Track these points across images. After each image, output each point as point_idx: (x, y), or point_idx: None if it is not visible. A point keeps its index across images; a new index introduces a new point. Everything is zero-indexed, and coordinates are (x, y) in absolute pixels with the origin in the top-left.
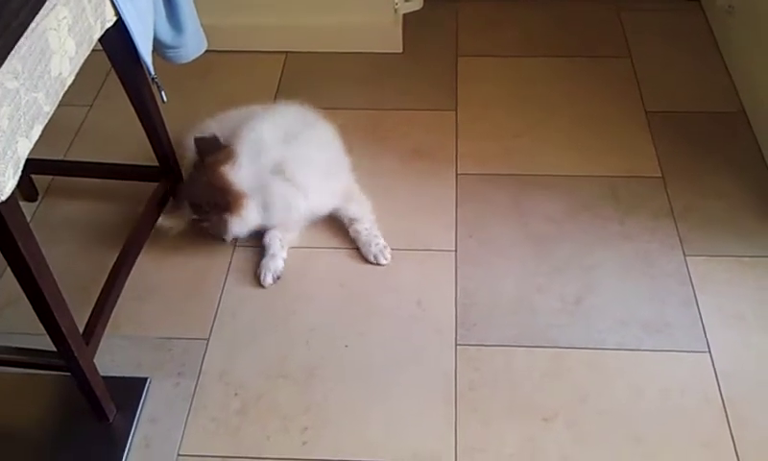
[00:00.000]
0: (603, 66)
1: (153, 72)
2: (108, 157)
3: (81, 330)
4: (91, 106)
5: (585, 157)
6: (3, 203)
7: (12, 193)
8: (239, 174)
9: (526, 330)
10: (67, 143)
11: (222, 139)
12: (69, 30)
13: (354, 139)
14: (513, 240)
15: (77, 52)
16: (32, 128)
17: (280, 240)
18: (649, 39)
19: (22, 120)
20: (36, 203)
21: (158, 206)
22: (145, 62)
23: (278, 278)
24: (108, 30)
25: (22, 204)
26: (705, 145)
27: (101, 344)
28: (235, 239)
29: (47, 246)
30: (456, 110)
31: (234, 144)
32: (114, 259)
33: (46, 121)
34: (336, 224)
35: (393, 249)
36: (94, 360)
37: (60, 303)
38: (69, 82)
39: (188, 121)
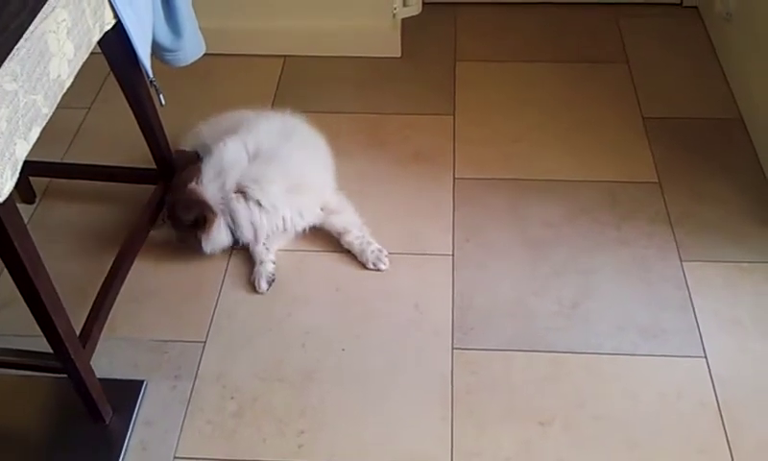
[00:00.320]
0: (601, 72)
1: (151, 75)
2: (106, 159)
3: (77, 333)
4: (89, 108)
5: (582, 162)
6: (0, 204)
7: (10, 195)
8: (206, 192)
9: (523, 335)
10: (65, 146)
11: (205, 149)
12: (68, 32)
13: (352, 143)
14: (510, 244)
15: (75, 54)
16: (30, 130)
17: (266, 246)
18: (647, 46)
19: (20, 122)
20: (34, 205)
21: (156, 208)
22: (144, 66)
23: (273, 280)
24: (106, 33)
25: (20, 206)
26: (702, 151)
27: (98, 346)
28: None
29: (44, 248)
30: (454, 115)
31: (204, 160)
32: (111, 262)
33: (44, 123)
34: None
35: (390, 253)
36: (91, 362)
37: (57, 306)
38: (68, 84)
39: (186, 124)
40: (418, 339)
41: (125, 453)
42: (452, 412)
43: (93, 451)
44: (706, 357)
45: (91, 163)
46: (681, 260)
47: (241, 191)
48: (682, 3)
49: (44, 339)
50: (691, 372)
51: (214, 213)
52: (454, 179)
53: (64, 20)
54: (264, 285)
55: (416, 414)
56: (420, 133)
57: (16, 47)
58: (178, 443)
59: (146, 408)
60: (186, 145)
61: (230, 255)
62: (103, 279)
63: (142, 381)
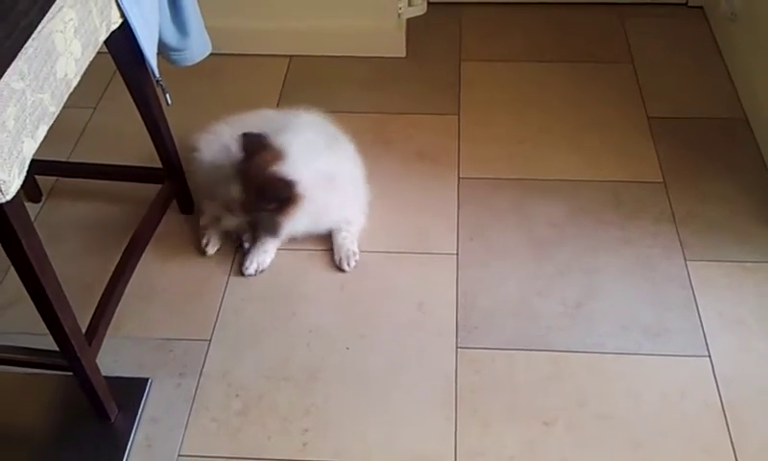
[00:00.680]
0: (606, 72)
1: (157, 74)
2: (112, 158)
3: (83, 331)
4: (96, 107)
5: (587, 161)
6: (8, 203)
7: (17, 193)
8: (296, 175)
9: (527, 334)
10: (72, 145)
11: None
12: (75, 32)
13: (357, 143)
14: (514, 244)
15: (82, 54)
16: (37, 128)
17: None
18: (652, 45)
19: (28, 120)
20: (40, 204)
21: (162, 207)
22: (150, 65)
23: (261, 271)
24: (113, 32)
25: (26, 204)
26: (706, 151)
27: (103, 344)
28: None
29: (50, 247)
30: (459, 115)
31: (283, 145)
32: (117, 260)
33: (51, 122)
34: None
35: (394, 252)
36: (96, 360)
37: (64, 303)
38: (75, 83)
39: (192, 123)
40: (422, 338)
41: (130, 451)
42: (456, 411)
43: (98, 449)
44: (710, 357)
45: (97, 162)
46: (685, 260)
47: (329, 179)
48: (687, 3)
49: (50, 337)
50: (695, 371)
51: (300, 195)
52: (459, 178)
53: (71, 20)
54: (251, 270)
55: (420, 413)
56: (425, 133)
57: (24, 46)
58: (182, 440)
59: (151, 406)
60: (204, 143)
61: (235, 254)
62: (109, 278)
63: (147, 379)
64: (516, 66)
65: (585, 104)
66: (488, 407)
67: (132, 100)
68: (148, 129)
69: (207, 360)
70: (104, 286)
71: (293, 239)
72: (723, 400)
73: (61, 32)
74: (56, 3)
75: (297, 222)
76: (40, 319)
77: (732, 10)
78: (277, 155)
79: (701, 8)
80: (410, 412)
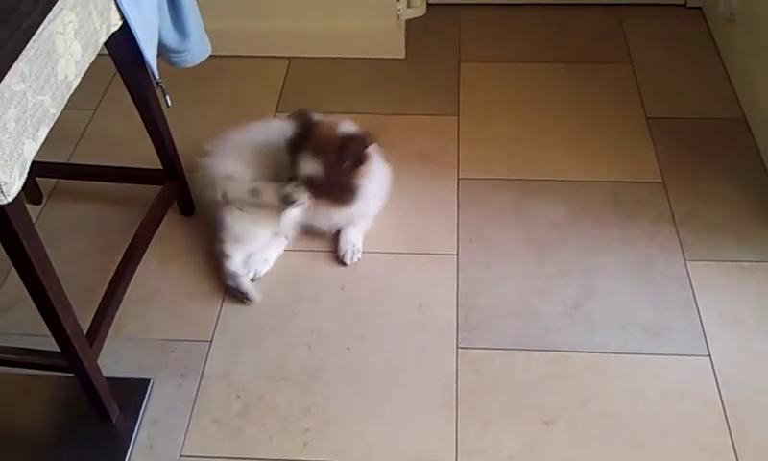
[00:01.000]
0: (605, 73)
1: (157, 76)
2: (113, 160)
3: (85, 332)
4: (96, 109)
5: (586, 162)
6: (9, 204)
7: (18, 194)
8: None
9: (527, 334)
10: (72, 146)
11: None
12: (75, 34)
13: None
14: (514, 244)
15: (83, 55)
16: (38, 130)
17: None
18: (650, 46)
19: (29, 122)
20: (41, 206)
21: (162, 209)
22: (150, 67)
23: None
24: (113, 34)
25: (26, 206)
26: (705, 151)
27: (104, 345)
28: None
29: (51, 248)
30: (458, 116)
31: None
32: (118, 262)
33: (52, 123)
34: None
35: (394, 252)
36: (98, 361)
37: (65, 305)
38: (75, 85)
39: (192, 125)
40: (422, 338)
41: (131, 452)
42: (456, 411)
43: (100, 450)
44: (710, 356)
45: (98, 164)
46: (685, 260)
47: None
48: (685, 4)
49: (52, 338)
50: (695, 371)
51: (370, 147)
52: (458, 179)
53: (72, 22)
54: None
55: (420, 413)
56: (425, 134)
57: (25, 48)
58: (184, 441)
59: (152, 407)
60: (216, 149)
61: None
62: (109, 279)
63: (148, 380)
64: (515, 67)
65: (584, 105)
66: (488, 407)
67: (132, 102)
68: (148, 130)
69: (208, 361)
70: (105, 287)
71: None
72: (723, 399)
73: (62, 33)
74: (56, 5)
75: (367, 185)
76: (42, 320)
77: (731, 10)
78: (333, 123)
79: (699, 8)
80: (410, 412)
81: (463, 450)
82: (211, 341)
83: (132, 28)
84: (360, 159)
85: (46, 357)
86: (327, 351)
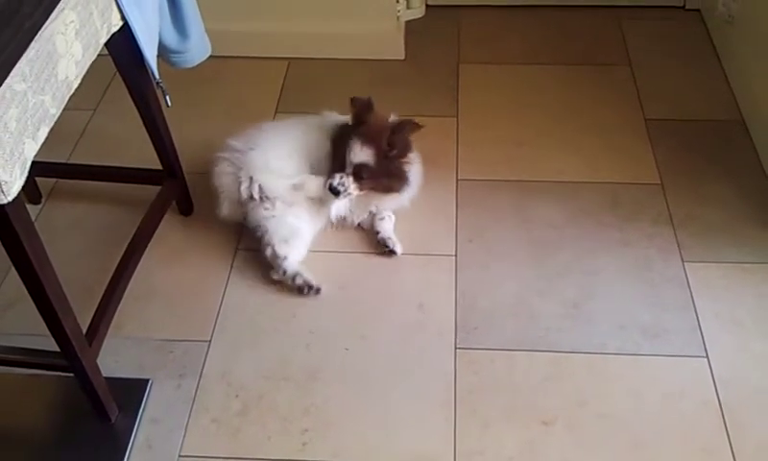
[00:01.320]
0: (603, 75)
1: (158, 76)
2: (112, 160)
3: (84, 332)
4: (95, 109)
5: (585, 163)
6: (9, 203)
7: (18, 194)
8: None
9: (526, 334)
10: (71, 146)
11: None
12: (76, 34)
13: None
14: (513, 245)
15: (83, 56)
16: (38, 130)
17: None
18: (649, 48)
19: (29, 122)
20: (40, 205)
21: (162, 208)
22: (150, 67)
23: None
24: (113, 34)
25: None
26: (704, 153)
27: (104, 345)
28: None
29: (50, 248)
30: (457, 117)
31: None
32: (117, 261)
33: (52, 123)
34: (336, 227)
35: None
36: (97, 361)
37: (64, 304)
38: (75, 85)
39: (192, 125)
40: (421, 339)
41: (130, 451)
42: (455, 411)
43: (99, 449)
44: (707, 357)
45: (97, 164)
46: (683, 261)
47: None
48: (684, 6)
49: (51, 338)
50: (693, 372)
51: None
52: (457, 180)
53: (72, 22)
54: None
55: (419, 413)
56: (424, 135)
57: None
58: (183, 441)
59: (151, 407)
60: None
61: (235, 255)
62: (109, 279)
63: (147, 380)
64: (514, 69)
65: (583, 106)
66: (487, 407)
67: (131, 102)
68: (148, 130)
69: (207, 361)
70: (104, 287)
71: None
72: (721, 399)
73: (63, 34)
74: (57, 5)
75: (415, 172)
76: (41, 320)
77: (729, 12)
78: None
79: (698, 10)
80: (409, 412)
81: (462, 451)
82: (210, 341)
83: (132, 28)
84: (407, 147)
85: (45, 357)
86: (327, 351)
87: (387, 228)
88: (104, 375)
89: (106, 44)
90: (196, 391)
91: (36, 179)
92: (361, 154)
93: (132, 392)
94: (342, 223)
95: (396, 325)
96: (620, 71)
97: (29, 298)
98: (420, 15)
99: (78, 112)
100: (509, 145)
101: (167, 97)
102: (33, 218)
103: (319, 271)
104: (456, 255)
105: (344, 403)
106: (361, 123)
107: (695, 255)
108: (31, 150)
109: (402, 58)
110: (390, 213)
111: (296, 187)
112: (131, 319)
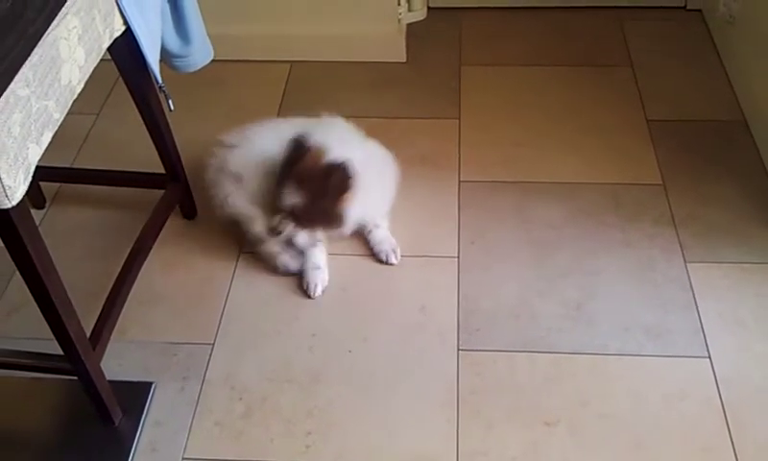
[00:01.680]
0: (605, 76)
1: (160, 80)
2: (116, 164)
3: (88, 335)
4: (99, 114)
5: (586, 164)
6: (13, 208)
7: (23, 198)
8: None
9: (528, 336)
10: (75, 151)
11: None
12: (79, 39)
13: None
14: (515, 246)
15: (86, 60)
16: (42, 134)
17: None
18: (650, 49)
19: (33, 127)
20: (44, 210)
21: (165, 212)
22: (153, 71)
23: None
24: (116, 39)
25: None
26: (706, 153)
27: (107, 349)
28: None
29: (54, 252)
30: (459, 119)
31: (321, 143)
32: (121, 265)
33: (56, 128)
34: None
35: None
36: (101, 364)
37: (68, 308)
38: (78, 90)
39: (195, 129)
40: (423, 341)
41: (134, 454)
42: (458, 413)
43: (103, 452)
44: (710, 358)
45: (100, 168)
46: (685, 262)
47: (370, 165)
48: (685, 6)
49: (55, 342)
50: (695, 372)
51: (356, 181)
52: (459, 182)
53: (75, 27)
54: (320, 291)
55: (422, 415)
56: (426, 137)
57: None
58: (186, 443)
59: (155, 410)
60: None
61: (238, 258)
62: (112, 283)
63: (151, 383)
64: (515, 71)
65: (584, 107)
66: (489, 409)
67: (134, 106)
68: (151, 134)
69: (211, 364)
70: (107, 291)
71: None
72: (723, 400)
73: (66, 39)
74: (60, 11)
75: (354, 210)
76: (45, 324)
77: (731, 13)
78: (321, 150)
79: (699, 11)
80: (412, 414)
81: (465, 452)
82: (214, 344)
83: (135, 33)
84: (342, 189)
85: (49, 361)
86: (330, 353)
87: (378, 239)
88: (107, 378)
89: (108, 49)
90: (199, 394)
91: (40, 183)
92: (291, 197)
93: (136, 395)
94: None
95: (398, 326)
96: (622, 72)
97: (33, 302)
98: (421, 18)
99: (81, 117)
100: (511, 146)
101: (170, 101)
102: (37, 223)
103: None
104: (458, 257)
105: (347, 405)
106: (294, 163)
107: (697, 256)
108: (35, 154)
109: (404, 60)
110: (378, 223)
111: (246, 221)
112: (134, 322)
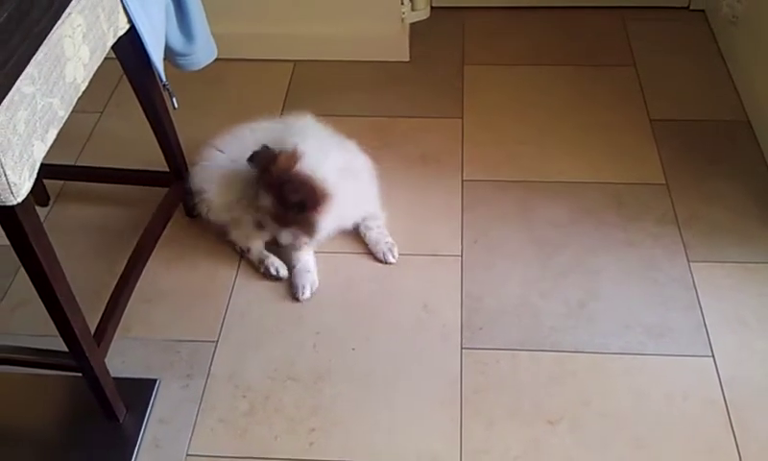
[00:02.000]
0: (608, 75)
1: (164, 79)
2: (119, 162)
3: (92, 332)
4: (102, 112)
5: (589, 164)
6: (19, 205)
7: (28, 195)
8: (317, 170)
9: (531, 334)
10: (79, 149)
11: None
12: (84, 37)
13: (361, 146)
14: (518, 245)
15: (91, 58)
16: (47, 132)
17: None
18: (653, 48)
19: (38, 124)
20: (48, 207)
21: (169, 210)
22: (156, 69)
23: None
24: (120, 37)
25: None
26: (708, 153)
27: (111, 346)
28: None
29: (59, 250)
30: (462, 118)
31: (296, 147)
32: (125, 263)
33: (61, 125)
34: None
35: (399, 254)
36: (105, 361)
37: (73, 304)
38: (83, 88)
39: (198, 127)
40: (427, 339)
41: (138, 451)
42: (461, 411)
43: (107, 449)
44: (713, 357)
45: (104, 166)
46: (688, 261)
47: (347, 170)
48: (689, 6)
49: (59, 339)
50: (698, 371)
51: (326, 189)
52: (462, 181)
53: (80, 25)
54: (308, 294)
55: (425, 413)
56: (429, 136)
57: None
58: (190, 441)
59: (159, 407)
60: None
61: (241, 257)
62: (116, 280)
63: (155, 380)
64: (518, 70)
65: (587, 107)
66: (492, 407)
67: (138, 104)
68: (154, 132)
69: (214, 361)
70: (112, 288)
71: (326, 242)
72: (726, 399)
73: (70, 37)
74: (65, 9)
75: (327, 218)
76: (50, 320)
77: (734, 13)
78: (293, 157)
79: (702, 11)
80: (415, 412)
81: (468, 450)
82: (217, 341)
83: (139, 31)
84: (312, 201)
85: (54, 357)
86: (333, 351)
87: (374, 240)
88: (112, 375)
89: (112, 47)
90: (203, 391)
91: (44, 181)
92: (264, 199)
93: (140, 392)
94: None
95: (401, 325)
96: (625, 71)
97: (37, 298)
98: (424, 17)
99: (85, 115)
100: (514, 145)
101: (173, 99)
102: (41, 220)
103: (324, 272)
104: (462, 256)
105: (350, 403)
106: (265, 170)
107: (700, 255)
108: (40, 152)
109: (407, 59)
110: (370, 224)
111: (233, 222)
112: (138, 320)
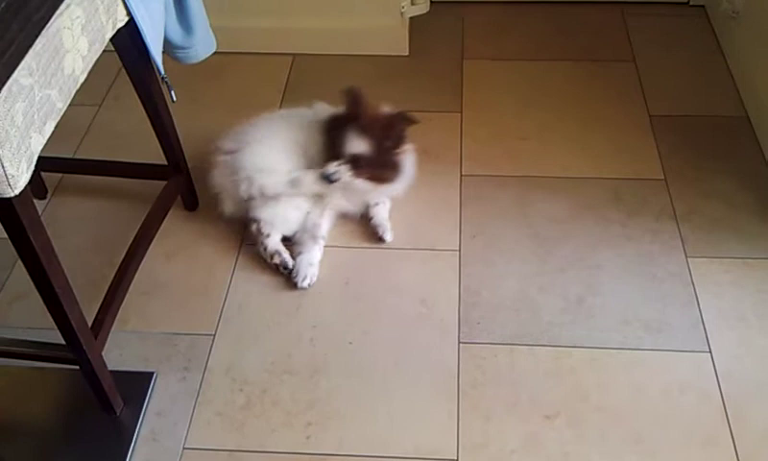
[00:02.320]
0: (607, 70)
1: (163, 72)
2: (117, 155)
3: (90, 325)
4: (101, 105)
5: (588, 159)
6: (16, 197)
7: (25, 188)
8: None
9: (529, 329)
10: (77, 141)
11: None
12: (82, 29)
13: None
14: (516, 240)
15: (89, 51)
16: (45, 124)
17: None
18: (653, 44)
19: (36, 116)
20: (46, 200)
21: (167, 203)
22: (155, 62)
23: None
24: (119, 30)
25: None
26: (708, 148)
27: (109, 338)
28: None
29: (56, 242)
30: (461, 113)
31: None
32: (123, 256)
33: (59, 118)
34: (341, 222)
35: (397, 248)
36: (102, 354)
37: (70, 297)
38: (81, 80)
39: (196, 120)
40: (424, 333)
41: (135, 444)
42: (458, 405)
43: (104, 442)
44: (710, 352)
45: (102, 159)
46: (686, 256)
47: None
48: (688, 2)
49: (57, 331)
50: (696, 366)
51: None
52: (461, 175)
53: (78, 17)
54: (307, 284)
55: (422, 407)
56: (428, 131)
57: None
58: (187, 434)
59: (156, 400)
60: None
61: (240, 249)
62: (114, 273)
63: (152, 373)
64: (518, 65)
65: (587, 102)
66: (490, 401)
67: (137, 97)
68: (153, 125)
69: (212, 354)
70: (109, 281)
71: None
72: (723, 394)
73: (69, 29)
74: (64, 0)
75: (409, 163)
76: (47, 313)
77: (734, 8)
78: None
79: (702, 6)
80: (413, 406)
81: (465, 444)
82: (215, 335)
83: (138, 24)
84: (402, 138)
85: (51, 350)
86: (330, 345)
87: (380, 214)
88: (109, 368)
89: (111, 39)
90: (200, 384)
91: (42, 174)
92: (357, 144)
93: (137, 385)
94: (343, 215)
95: (399, 319)
96: (624, 67)
97: (35, 291)
98: (424, 11)
99: (83, 108)
100: (512, 140)
101: (172, 92)
102: (39, 212)
103: (323, 265)
104: (460, 250)
105: (347, 397)
106: (355, 113)
107: (698, 251)
108: (38, 144)
109: (407, 53)
110: (385, 199)
111: (293, 183)
112: (136, 313)
